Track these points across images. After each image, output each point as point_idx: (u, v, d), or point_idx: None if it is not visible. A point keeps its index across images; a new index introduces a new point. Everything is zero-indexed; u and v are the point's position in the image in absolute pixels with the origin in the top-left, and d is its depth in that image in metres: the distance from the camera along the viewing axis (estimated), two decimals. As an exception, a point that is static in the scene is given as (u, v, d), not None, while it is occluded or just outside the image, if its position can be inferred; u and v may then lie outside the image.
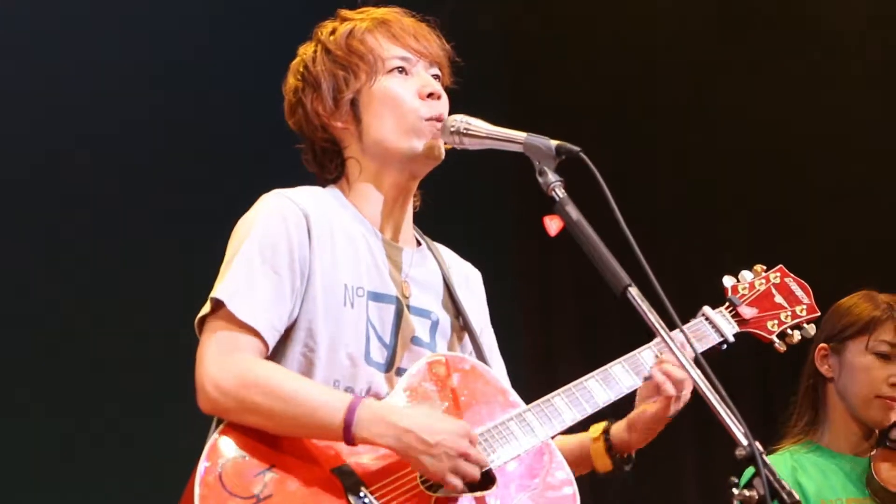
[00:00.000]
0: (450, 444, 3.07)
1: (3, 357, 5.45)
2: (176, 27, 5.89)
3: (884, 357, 4.49)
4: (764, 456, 2.86)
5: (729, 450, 2.91)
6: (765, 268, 3.75)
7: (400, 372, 3.30)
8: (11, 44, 5.60)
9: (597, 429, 3.43)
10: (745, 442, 2.87)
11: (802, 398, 4.61)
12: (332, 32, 3.43)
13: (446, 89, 3.44)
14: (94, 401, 5.55)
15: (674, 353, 2.99)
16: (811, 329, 3.73)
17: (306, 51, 3.46)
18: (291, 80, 3.46)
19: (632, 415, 3.40)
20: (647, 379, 3.35)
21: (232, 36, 6.00)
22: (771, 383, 6.32)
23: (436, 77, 3.42)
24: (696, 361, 2.97)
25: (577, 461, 3.39)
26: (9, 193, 5.53)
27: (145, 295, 5.68)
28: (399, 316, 3.32)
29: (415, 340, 3.34)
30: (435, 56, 3.42)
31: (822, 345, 4.56)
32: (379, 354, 3.29)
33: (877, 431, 4.51)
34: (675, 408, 3.34)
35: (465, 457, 3.08)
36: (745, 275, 3.73)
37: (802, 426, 4.58)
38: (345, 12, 3.48)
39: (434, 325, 3.39)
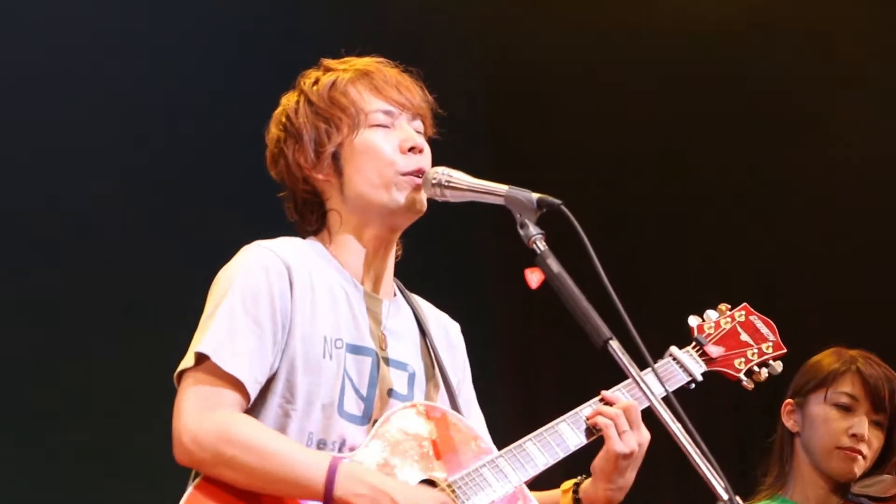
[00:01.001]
0: None
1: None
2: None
3: (844, 409, 4.51)
4: (744, 509, 2.87)
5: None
6: (729, 306, 3.78)
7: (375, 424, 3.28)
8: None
9: (568, 483, 3.43)
10: (725, 496, 2.88)
11: (771, 453, 4.64)
12: (315, 83, 3.42)
13: (429, 140, 3.45)
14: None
15: (655, 409, 3.00)
16: (778, 366, 3.76)
17: (289, 101, 3.45)
18: (274, 131, 3.45)
19: (593, 465, 3.37)
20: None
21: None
22: (747, 432, 6.34)
23: (418, 131, 3.41)
24: (677, 416, 2.98)
25: None
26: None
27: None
28: (376, 368, 3.31)
29: (392, 393, 3.33)
30: (417, 108, 3.41)
31: (788, 400, 4.60)
32: (355, 406, 3.27)
33: (842, 484, 4.52)
34: (622, 443, 3.29)
35: None
36: (710, 314, 3.75)
37: (772, 481, 4.60)
38: (328, 62, 3.47)
39: (411, 377, 3.39)
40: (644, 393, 3.00)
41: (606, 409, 3.32)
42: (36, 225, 5.66)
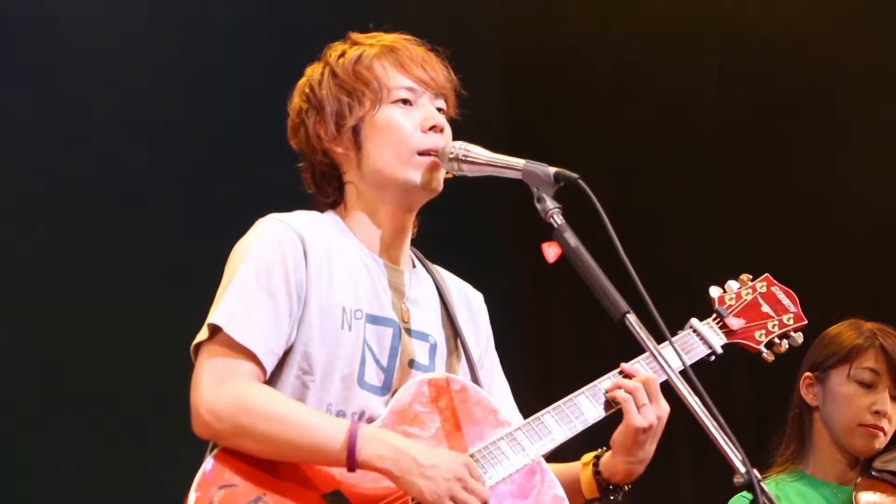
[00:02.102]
0: (447, 468, 3.08)
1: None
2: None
3: (866, 385, 4.48)
4: (762, 483, 2.87)
5: (726, 477, 2.92)
6: (751, 277, 3.74)
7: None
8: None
9: (588, 456, 3.43)
10: (742, 469, 2.88)
11: (789, 427, 4.61)
12: (341, 56, 3.41)
13: (451, 120, 3.44)
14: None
15: (673, 383, 3.00)
16: (798, 337, 3.72)
17: (313, 72, 3.44)
18: (296, 101, 3.45)
19: (613, 439, 3.37)
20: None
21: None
22: (764, 407, 6.33)
23: (440, 109, 3.41)
24: (695, 389, 2.98)
25: (569, 490, 3.37)
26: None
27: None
28: (397, 339, 3.32)
29: (413, 364, 3.34)
30: (441, 87, 3.41)
31: (806, 373, 4.57)
32: (375, 377, 3.28)
33: (862, 460, 4.51)
34: (641, 417, 3.29)
35: (463, 482, 3.08)
36: (732, 285, 3.71)
37: (789, 454, 4.58)
38: (356, 36, 3.47)
39: (433, 348, 3.39)
40: (661, 366, 3.00)
41: (626, 382, 3.32)
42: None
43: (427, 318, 3.41)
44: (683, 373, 3.04)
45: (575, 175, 3.10)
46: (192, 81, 5.83)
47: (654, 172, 6.87)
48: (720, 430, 2.92)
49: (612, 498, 3.39)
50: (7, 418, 5.43)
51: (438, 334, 3.42)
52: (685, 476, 6.49)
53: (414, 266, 3.48)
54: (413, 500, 3.11)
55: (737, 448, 2.90)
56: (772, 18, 6.80)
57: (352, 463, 3.08)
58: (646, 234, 6.39)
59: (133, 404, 5.54)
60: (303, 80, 3.46)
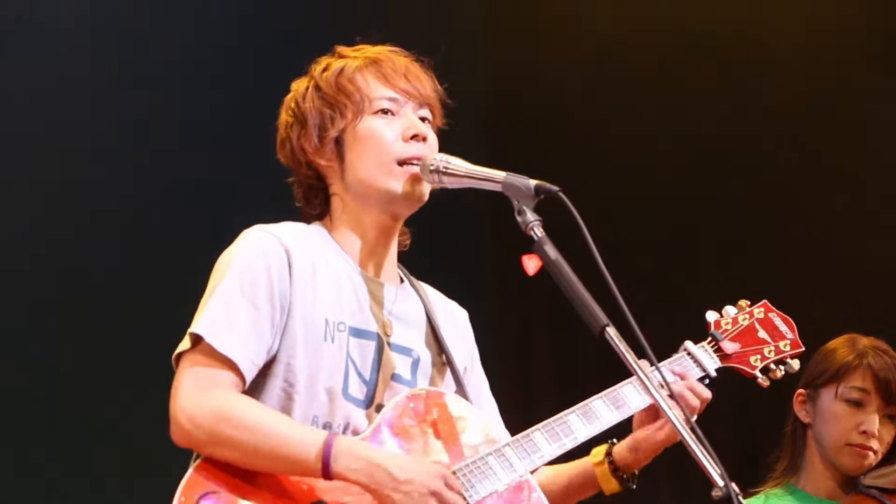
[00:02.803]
0: (421, 482, 3.07)
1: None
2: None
3: (854, 404, 4.48)
4: (740, 497, 2.86)
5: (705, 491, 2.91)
6: (749, 303, 3.75)
7: (380, 408, 3.29)
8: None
9: (598, 452, 3.43)
10: (721, 483, 2.87)
11: (784, 442, 4.61)
12: (325, 69, 3.44)
13: (438, 130, 3.45)
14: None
15: (650, 393, 2.99)
16: (795, 364, 3.72)
17: (299, 86, 3.48)
18: (283, 116, 3.48)
19: (636, 437, 3.41)
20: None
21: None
22: (752, 423, 6.32)
23: (424, 119, 3.42)
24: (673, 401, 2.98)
25: (580, 486, 3.43)
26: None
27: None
28: (380, 352, 3.32)
29: (395, 377, 3.34)
30: (425, 97, 3.42)
31: (800, 390, 4.57)
32: (358, 390, 3.29)
33: (853, 477, 4.50)
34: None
35: (439, 496, 3.08)
36: (729, 310, 3.72)
37: (783, 469, 4.59)
38: (341, 49, 3.50)
39: (415, 363, 3.39)
40: (641, 380, 2.99)
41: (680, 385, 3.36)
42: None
43: (411, 333, 3.42)
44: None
45: (555, 188, 3.11)
46: (197, 82, 5.88)
47: (642, 183, 6.85)
48: (699, 444, 2.91)
49: (631, 487, 3.44)
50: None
51: (422, 350, 3.42)
52: (664, 494, 6.47)
53: (402, 282, 3.48)
54: None
55: (715, 462, 2.88)
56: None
57: (327, 474, 3.08)
58: (630, 249, 6.37)
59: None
60: (289, 95, 3.49)
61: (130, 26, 5.84)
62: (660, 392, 3.01)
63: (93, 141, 5.70)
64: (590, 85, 6.79)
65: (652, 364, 3.10)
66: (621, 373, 3.24)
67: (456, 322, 3.56)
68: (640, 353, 3.04)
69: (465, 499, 3.15)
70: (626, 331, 2.99)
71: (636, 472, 3.44)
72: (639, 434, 3.41)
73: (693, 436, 2.92)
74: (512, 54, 6.86)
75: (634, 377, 3.33)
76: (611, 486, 3.43)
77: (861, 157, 6.66)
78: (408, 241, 3.50)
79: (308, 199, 3.46)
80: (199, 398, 3.13)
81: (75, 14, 5.76)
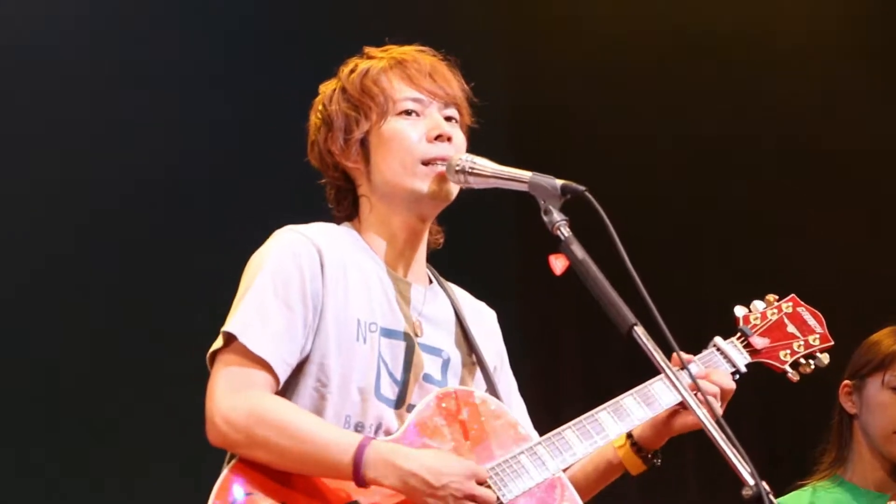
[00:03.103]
0: (456, 487, 3.08)
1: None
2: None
3: None
4: (771, 496, 2.86)
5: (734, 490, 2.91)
6: (777, 297, 3.74)
7: (410, 408, 3.30)
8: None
9: (619, 437, 3.42)
10: (751, 481, 2.86)
11: (830, 434, 4.61)
12: (352, 71, 3.45)
13: (468, 129, 3.46)
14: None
15: (679, 392, 2.99)
16: (825, 358, 3.70)
17: (326, 89, 3.49)
18: (311, 118, 3.50)
19: (658, 418, 3.41)
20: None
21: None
22: (775, 421, 6.32)
23: (450, 118, 3.42)
24: (702, 400, 2.98)
25: (606, 472, 3.45)
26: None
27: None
28: (410, 353, 3.33)
29: (426, 378, 3.35)
30: (451, 97, 3.43)
31: (845, 381, 4.58)
32: (390, 390, 3.30)
33: None
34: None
35: (472, 499, 3.09)
36: (757, 305, 3.71)
37: (830, 461, 4.58)
38: (369, 50, 3.51)
39: (445, 363, 3.40)
40: (667, 376, 2.99)
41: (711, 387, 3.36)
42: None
43: (441, 333, 3.43)
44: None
45: (581, 187, 3.10)
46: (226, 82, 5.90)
47: (642, 182, 6.86)
48: (728, 442, 2.91)
49: (656, 463, 3.45)
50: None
51: (452, 350, 3.43)
52: (692, 490, 6.48)
53: (430, 282, 3.49)
54: None
55: (745, 460, 2.88)
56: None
57: (359, 480, 3.09)
58: (656, 248, 6.37)
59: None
60: (317, 98, 3.51)
61: (130, 26, 5.83)
62: (689, 391, 3.01)
63: (93, 141, 5.70)
64: (591, 84, 6.80)
65: (681, 364, 3.11)
66: (648, 372, 3.25)
67: (485, 322, 3.56)
68: (669, 352, 3.04)
69: (497, 497, 3.15)
70: (653, 330, 2.99)
71: (658, 449, 3.46)
72: (662, 414, 3.41)
73: (723, 434, 2.92)
74: (516, 54, 6.86)
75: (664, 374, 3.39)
76: (636, 466, 3.46)
77: (864, 156, 6.67)
78: (441, 240, 3.51)
79: (338, 201, 3.47)
80: (234, 399, 3.14)
81: (75, 14, 5.75)
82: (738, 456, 2.89)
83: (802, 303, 3.76)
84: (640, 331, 2.99)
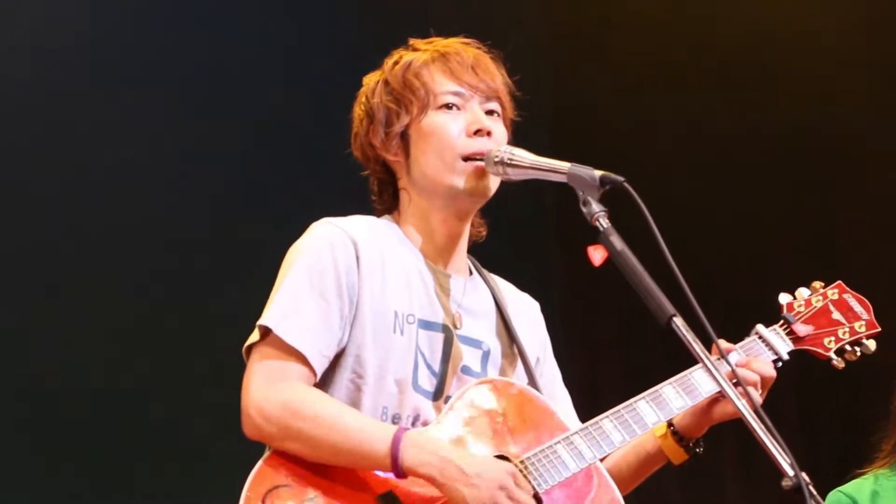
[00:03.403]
0: (490, 476, 3.08)
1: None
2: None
3: None
4: (811, 487, 2.85)
5: (774, 480, 2.91)
6: (823, 284, 3.71)
7: (448, 400, 3.30)
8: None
9: (660, 426, 3.42)
10: (791, 472, 2.86)
11: (890, 420, 4.57)
12: (396, 63, 3.46)
13: (510, 122, 3.46)
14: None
15: (718, 383, 2.99)
16: (871, 345, 3.67)
17: (370, 81, 3.49)
18: (355, 110, 3.51)
19: (699, 406, 3.41)
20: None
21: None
22: (814, 412, 6.30)
23: (492, 112, 3.42)
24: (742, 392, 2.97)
25: (648, 462, 3.44)
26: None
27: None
28: (448, 345, 3.34)
29: (464, 369, 3.35)
30: (492, 90, 3.42)
31: None
32: (427, 382, 3.30)
33: None
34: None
35: (507, 491, 3.09)
36: (802, 292, 3.69)
37: (890, 449, 4.53)
38: (414, 42, 3.51)
39: (485, 355, 3.40)
40: (707, 367, 2.98)
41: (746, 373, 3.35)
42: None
43: (480, 325, 3.43)
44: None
45: (620, 178, 3.10)
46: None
47: (711, 171, 6.84)
48: (768, 434, 2.90)
49: (699, 452, 3.44)
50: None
51: (492, 342, 3.43)
52: (731, 480, 6.47)
53: (471, 273, 3.49)
54: None
55: (785, 451, 2.87)
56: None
57: (397, 469, 3.10)
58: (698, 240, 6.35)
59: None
60: (362, 90, 3.51)
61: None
62: (728, 382, 3.00)
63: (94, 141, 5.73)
64: (630, 80, 6.80)
65: (720, 354, 3.10)
66: (688, 361, 3.25)
67: (527, 313, 3.56)
68: (708, 343, 3.04)
69: (534, 490, 3.16)
70: (692, 320, 2.98)
71: (700, 438, 3.45)
72: (702, 401, 3.41)
73: (762, 425, 2.92)
74: (559, 51, 6.86)
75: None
76: (678, 455, 3.45)
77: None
78: (483, 233, 3.50)
79: (379, 194, 3.48)
80: (269, 392, 3.15)
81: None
82: (778, 447, 2.88)
83: (849, 289, 3.72)
84: (679, 321, 2.98)
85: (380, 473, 3.13)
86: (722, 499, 6.52)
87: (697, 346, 3.00)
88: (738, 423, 2.99)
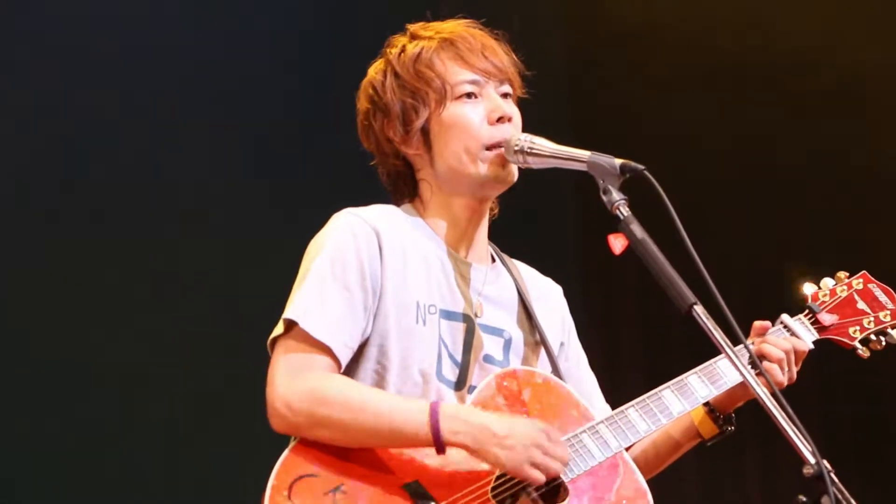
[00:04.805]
0: (524, 434, 3.09)
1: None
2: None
3: None
4: (832, 474, 2.85)
5: (795, 468, 2.90)
6: (847, 274, 3.71)
7: (471, 390, 3.30)
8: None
9: None
10: (812, 460, 2.86)
11: None
12: (401, 53, 3.43)
13: (519, 100, 3.45)
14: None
15: (739, 370, 2.98)
16: None
17: (375, 71, 3.46)
18: (363, 102, 3.47)
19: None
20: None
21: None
22: (833, 400, 6.28)
23: (506, 95, 3.42)
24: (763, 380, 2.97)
25: (681, 438, 3.46)
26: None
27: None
28: (470, 334, 3.34)
29: (486, 358, 3.35)
30: (504, 73, 3.41)
31: None
32: (450, 372, 3.30)
33: None
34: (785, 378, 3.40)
35: (542, 448, 3.09)
36: (827, 282, 3.69)
37: None
38: (414, 28, 3.48)
39: (507, 343, 3.40)
40: (727, 355, 2.98)
41: (772, 350, 3.39)
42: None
43: (502, 313, 3.43)
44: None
45: (641, 166, 3.09)
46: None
47: (730, 158, 6.83)
48: (789, 421, 2.90)
49: (729, 429, 3.47)
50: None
51: (514, 330, 3.43)
52: (750, 464, 6.46)
53: (493, 261, 3.49)
54: (492, 484, 3.12)
55: (806, 439, 2.87)
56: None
57: (438, 441, 3.09)
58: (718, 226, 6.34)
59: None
60: (366, 80, 3.48)
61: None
62: (749, 370, 3.00)
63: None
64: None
65: (739, 342, 3.10)
66: (709, 341, 3.24)
67: (549, 298, 3.56)
68: (728, 331, 3.03)
69: (559, 478, 3.15)
70: (713, 309, 2.98)
71: (732, 414, 3.46)
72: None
73: (783, 413, 2.91)
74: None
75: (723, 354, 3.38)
76: (710, 429, 3.46)
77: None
78: (496, 211, 3.49)
79: (395, 185, 3.47)
80: (294, 383, 3.15)
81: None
82: (799, 434, 2.88)
83: (873, 279, 3.72)
84: (699, 310, 2.98)
85: (406, 459, 3.13)
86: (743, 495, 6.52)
87: (718, 335, 2.99)
88: (760, 417, 2.98)
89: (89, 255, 5.57)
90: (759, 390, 2.95)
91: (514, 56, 3.47)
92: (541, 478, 3.10)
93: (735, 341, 3.03)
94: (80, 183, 5.61)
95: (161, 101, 5.78)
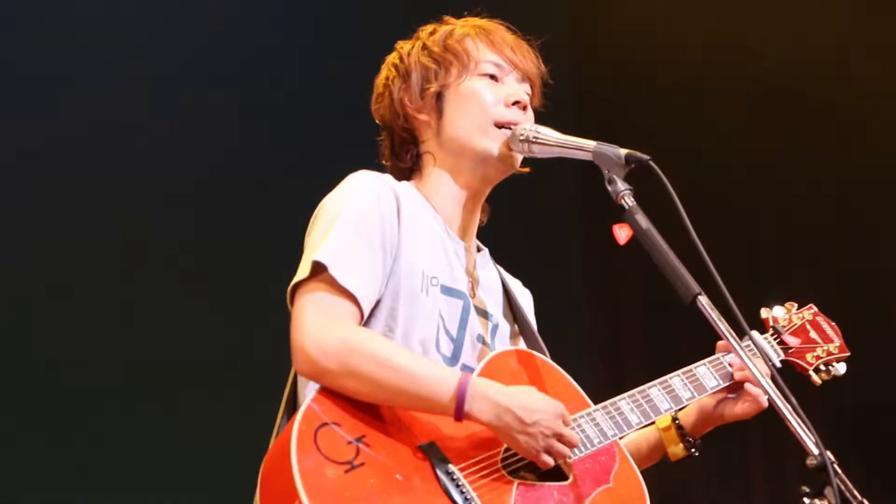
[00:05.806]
0: (546, 425, 3.08)
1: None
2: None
3: None
4: (836, 465, 2.85)
5: (798, 459, 2.90)
6: (796, 304, 3.77)
7: (464, 368, 3.29)
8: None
9: (664, 418, 3.46)
10: (815, 451, 2.85)
11: None
12: (433, 33, 3.46)
13: (534, 110, 3.45)
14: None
15: (743, 361, 2.98)
16: (841, 368, 3.73)
17: (404, 45, 3.49)
18: (384, 72, 3.49)
19: (704, 402, 3.47)
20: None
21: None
22: (837, 391, 6.27)
23: (526, 93, 3.42)
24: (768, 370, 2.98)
25: (648, 453, 3.47)
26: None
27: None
28: (466, 312, 3.33)
29: (479, 339, 3.35)
30: (528, 72, 3.44)
31: None
32: (446, 347, 3.29)
33: None
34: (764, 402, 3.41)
35: (559, 437, 3.09)
36: (778, 310, 3.75)
37: None
38: (450, 18, 3.51)
39: (494, 328, 3.41)
40: (732, 346, 2.98)
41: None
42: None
43: (490, 300, 3.43)
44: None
45: (646, 156, 3.09)
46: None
47: (731, 150, 6.84)
48: (793, 412, 2.90)
49: (695, 453, 3.50)
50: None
51: (500, 318, 3.44)
52: (754, 459, 6.45)
53: (479, 250, 3.49)
54: (501, 455, 3.12)
55: (810, 430, 2.87)
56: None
57: (459, 414, 3.07)
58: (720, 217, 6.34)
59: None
60: (392, 54, 3.50)
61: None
62: (752, 360, 3.00)
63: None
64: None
65: (744, 334, 3.10)
66: (711, 330, 3.24)
67: (524, 297, 3.58)
68: (732, 321, 3.03)
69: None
70: (717, 299, 2.98)
71: (699, 439, 3.49)
72: (709, 400, 3.46)
73: (787, 404, 2.91)
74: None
75: (712, 357, 3.45)
76: (677, 450, 3.49)
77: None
78: (485, 219, 3.49)
79: (398, 155, 3.46)
80: (326, 327, 3.08)
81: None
82: (803, 425, 2.88)
83: (821, 313, 3.79)
84: (704, 300, 2.98)
85: (426, 421, 3.10)
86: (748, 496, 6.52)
87: (723, 325, 3.00)
88: (765, 419, 2.99)
89: (89, 256, 5.55)
90: (762, 380, 2.97)
91: (542, 63, 3.49)
92: (552, 463, 3.10)
93: (740, 333, 3.03)
94: (80, 182, 5.59)
95: (161, 100, 5.77)
